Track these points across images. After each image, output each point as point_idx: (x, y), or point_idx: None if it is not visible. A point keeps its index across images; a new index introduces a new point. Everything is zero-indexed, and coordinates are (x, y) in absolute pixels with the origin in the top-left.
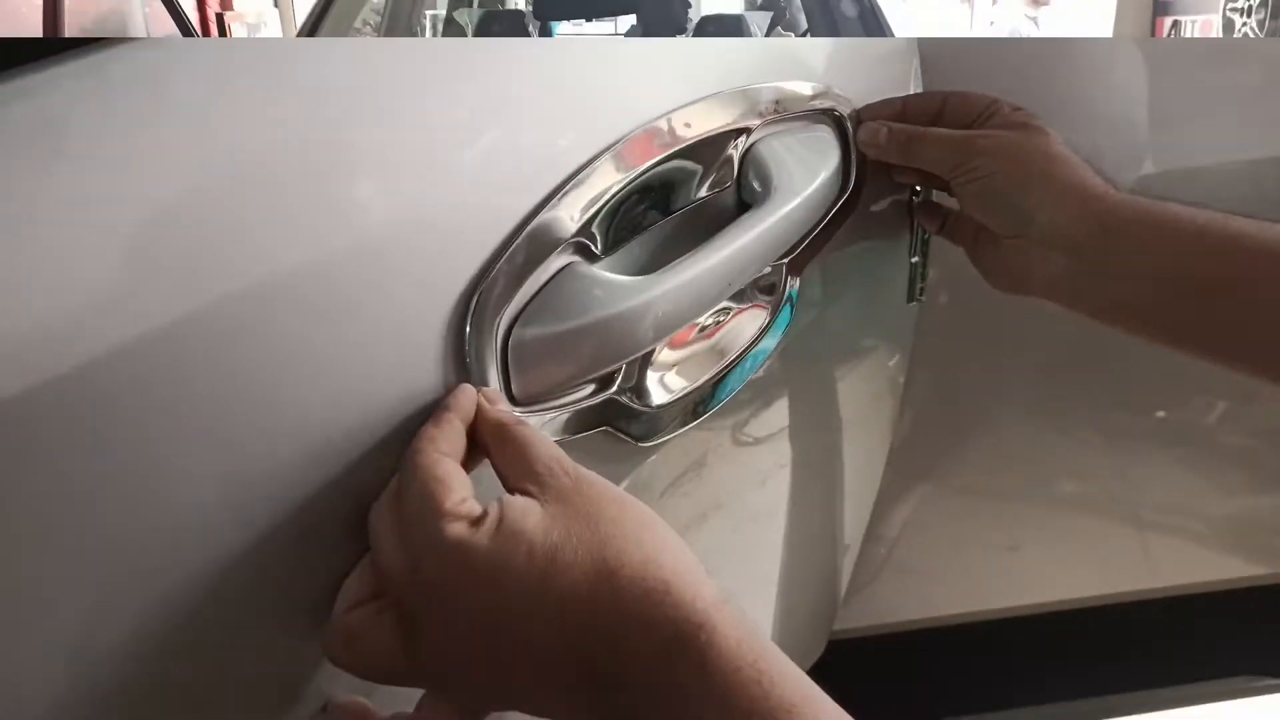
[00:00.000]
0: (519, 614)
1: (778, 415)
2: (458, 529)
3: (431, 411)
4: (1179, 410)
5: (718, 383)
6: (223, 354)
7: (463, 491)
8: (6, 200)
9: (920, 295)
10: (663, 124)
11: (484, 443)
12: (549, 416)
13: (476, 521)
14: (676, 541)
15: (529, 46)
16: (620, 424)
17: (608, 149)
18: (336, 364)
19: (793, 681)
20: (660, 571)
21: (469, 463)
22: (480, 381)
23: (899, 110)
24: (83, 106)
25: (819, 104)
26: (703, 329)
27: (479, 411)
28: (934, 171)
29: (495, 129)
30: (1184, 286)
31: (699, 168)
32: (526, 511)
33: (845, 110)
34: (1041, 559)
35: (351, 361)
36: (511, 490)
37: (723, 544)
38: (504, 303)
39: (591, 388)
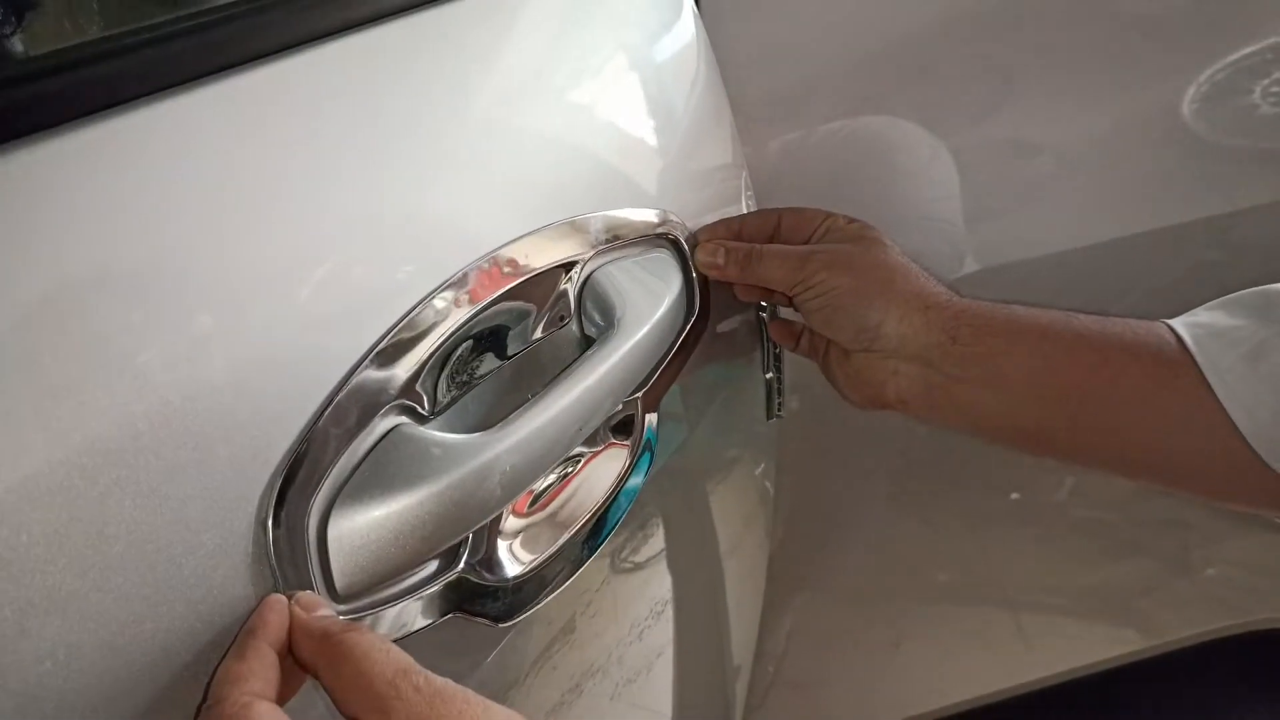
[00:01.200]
0: None
1: (649, 560)
2: None
3: (234, 638)
4: (1029, 490)
5: (585, 540)
6: None
7: None
8: None
9: (779, 411)
10: (485, 264)
11: (307, 662)
12: (387, 611)
13: None
14: None
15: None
16: (474, 606)
17: (427, 297)
18: (106, 577)
19: None
20: None
21: (289, 689)
22: (294, 583)
23: (736, 230)
24: None
25: (654, 229)
26: (546, 487)
27: (295, 625)
28: (776, 289)
29: (292, 271)
30: (1038, 390)
31: (532, 307)
32: None
33: (681, 233)
34: (925, 654)
35: (126, 572)
36: None
37: (602, 712)
38: (317, 483)
39: (434, 567)
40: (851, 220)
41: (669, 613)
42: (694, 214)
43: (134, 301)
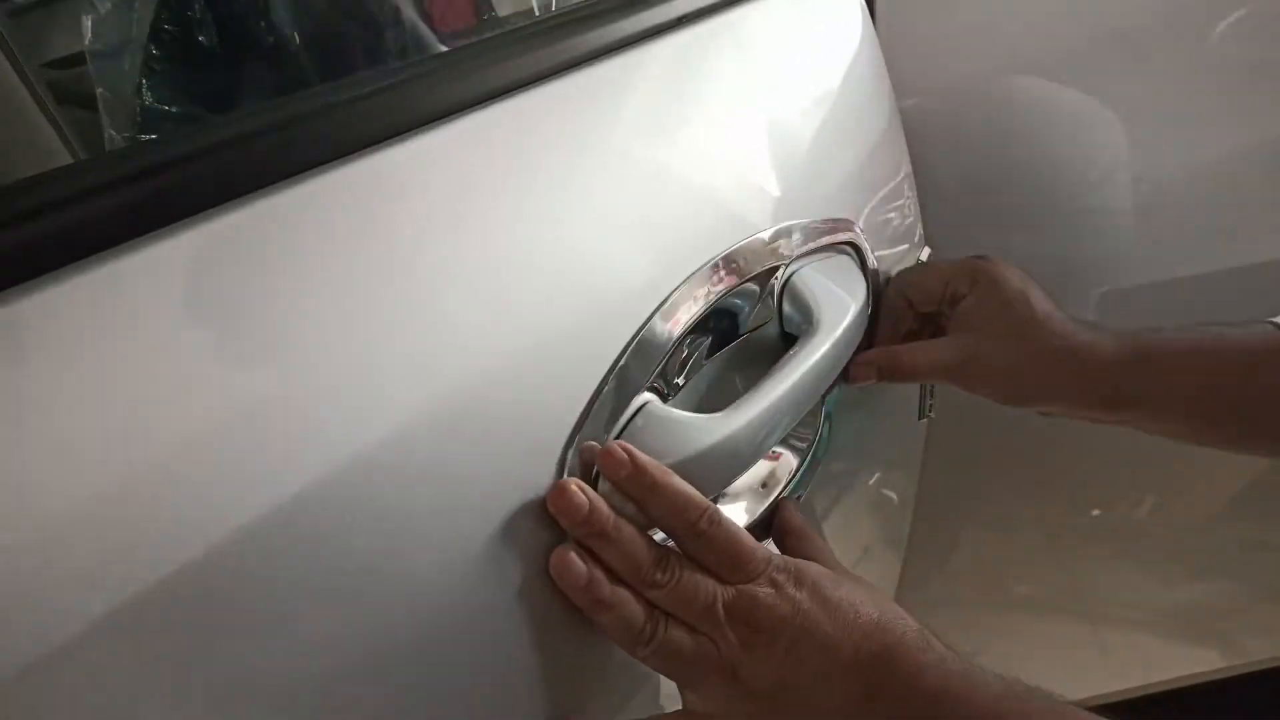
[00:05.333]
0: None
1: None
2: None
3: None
4: (1110, 506)
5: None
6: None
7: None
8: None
9: (930, 411)
10: (710, 268)
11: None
12: None
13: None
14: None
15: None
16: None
17: (669, 296)
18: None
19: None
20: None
21: None
22: None
23: (898, 334)
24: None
25: (839, 233)
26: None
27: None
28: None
29: (572, 277)
30: (1196, 414)
31: (743, 305)
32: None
33: (859, 238)
34: (1003, 664)
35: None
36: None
37: None
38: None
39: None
40: (968, 272)
41: None
42: (868, 214)
43: (469, 297)
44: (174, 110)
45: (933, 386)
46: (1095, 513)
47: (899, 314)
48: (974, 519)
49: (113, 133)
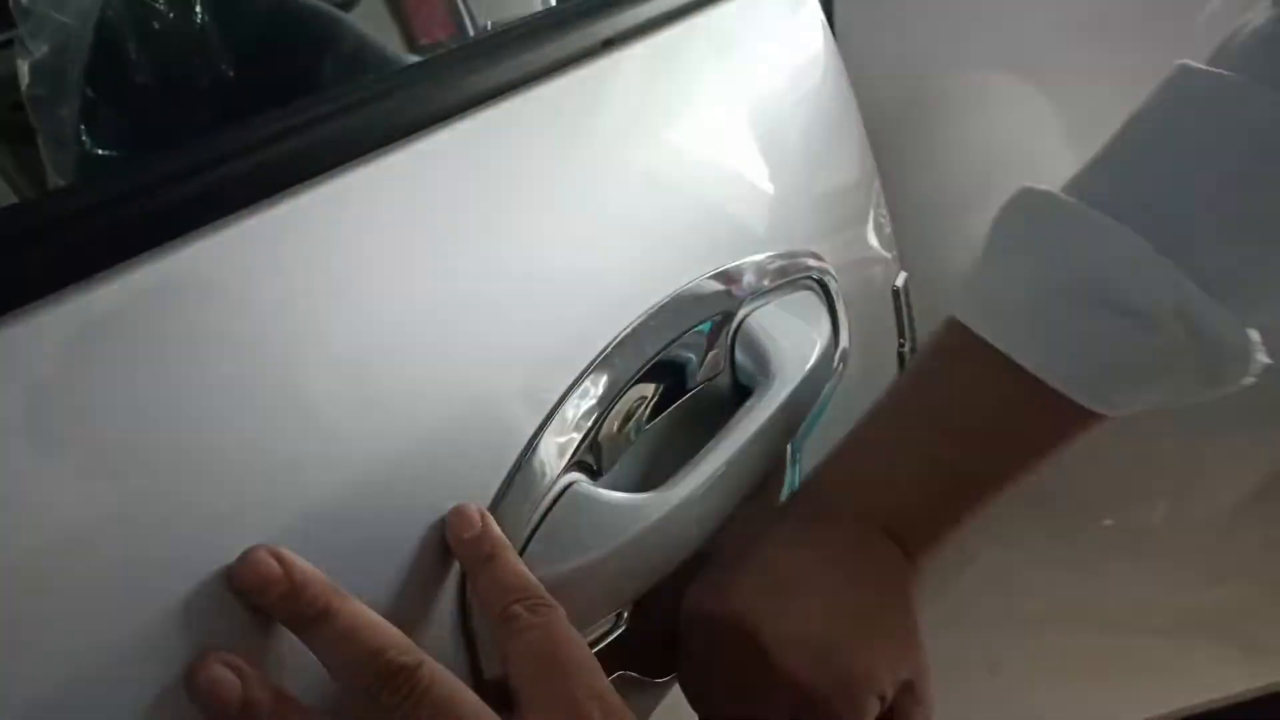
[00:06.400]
0: None
1: None
2: None
3: None
4: (1123, 514)
5: None
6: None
7: None
8: None
9: None
10: (644, 323)
11: None
12: None
13: None
14: None
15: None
16: (635, 664)
17: (596, 358)
18: None
19: None
20: None
21: None
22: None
23: None
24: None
25: (799, 268)
26: None
27: None
28: None
29: (469, 341)
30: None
31: (691, 356)
32: None
33: (824, 273)
34: (1023, 677)
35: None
36: None
37: None
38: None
39: (599, 630)
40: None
41: None
42: (836, 240)
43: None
44: (114, 154)
45: None
46: (1108, 521)
47: None
48: (981, 534)
49: (56, 177)
